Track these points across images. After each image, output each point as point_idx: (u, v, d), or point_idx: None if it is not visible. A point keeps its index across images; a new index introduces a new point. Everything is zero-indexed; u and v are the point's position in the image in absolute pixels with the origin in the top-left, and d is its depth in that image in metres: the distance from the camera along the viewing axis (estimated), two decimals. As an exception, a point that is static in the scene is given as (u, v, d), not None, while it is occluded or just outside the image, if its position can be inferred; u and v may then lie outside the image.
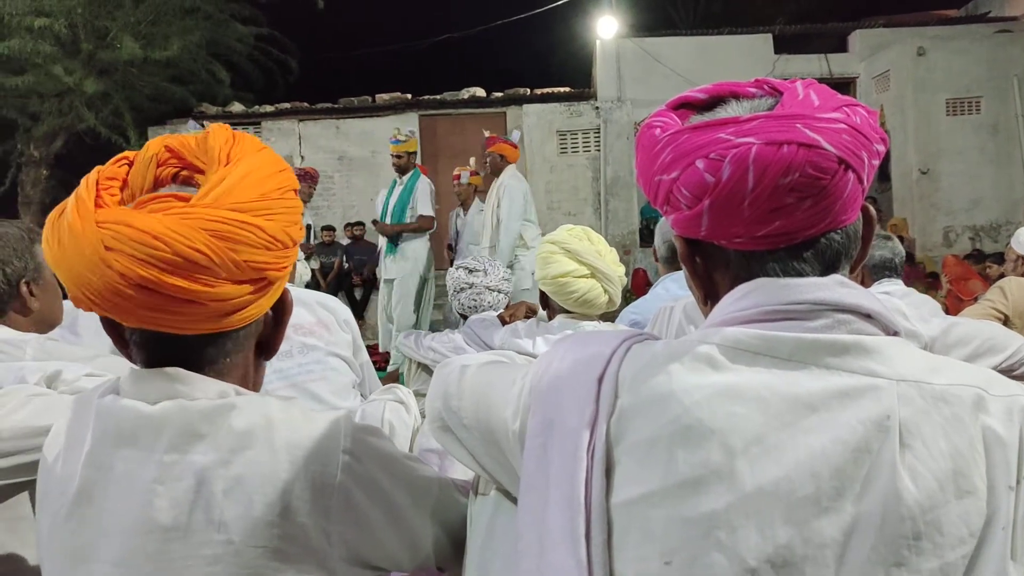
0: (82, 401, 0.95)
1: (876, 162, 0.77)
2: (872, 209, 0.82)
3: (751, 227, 0.75)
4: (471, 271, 3.06)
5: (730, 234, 0.77)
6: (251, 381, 0.98)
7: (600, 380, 0.76)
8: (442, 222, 7.99)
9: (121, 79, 9.83)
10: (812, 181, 0.72)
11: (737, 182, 0.73)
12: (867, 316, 0.74)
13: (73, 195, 0.88)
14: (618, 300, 2.43)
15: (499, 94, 11.10)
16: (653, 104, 9.10)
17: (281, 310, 1.00)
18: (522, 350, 2.38)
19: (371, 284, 9.36)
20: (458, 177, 7.36)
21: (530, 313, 2.85)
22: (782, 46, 11.33)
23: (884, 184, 10.92)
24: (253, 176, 0.88)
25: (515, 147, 6.56)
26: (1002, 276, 4.65)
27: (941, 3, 12.73)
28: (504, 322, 2.77)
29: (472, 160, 7.49)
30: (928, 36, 10.83)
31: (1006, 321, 3.00)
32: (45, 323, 1.65)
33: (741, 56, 11.12)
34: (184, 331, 0.89)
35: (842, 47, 11.53)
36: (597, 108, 10.89)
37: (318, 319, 2.24)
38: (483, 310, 3.00)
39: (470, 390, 0.93)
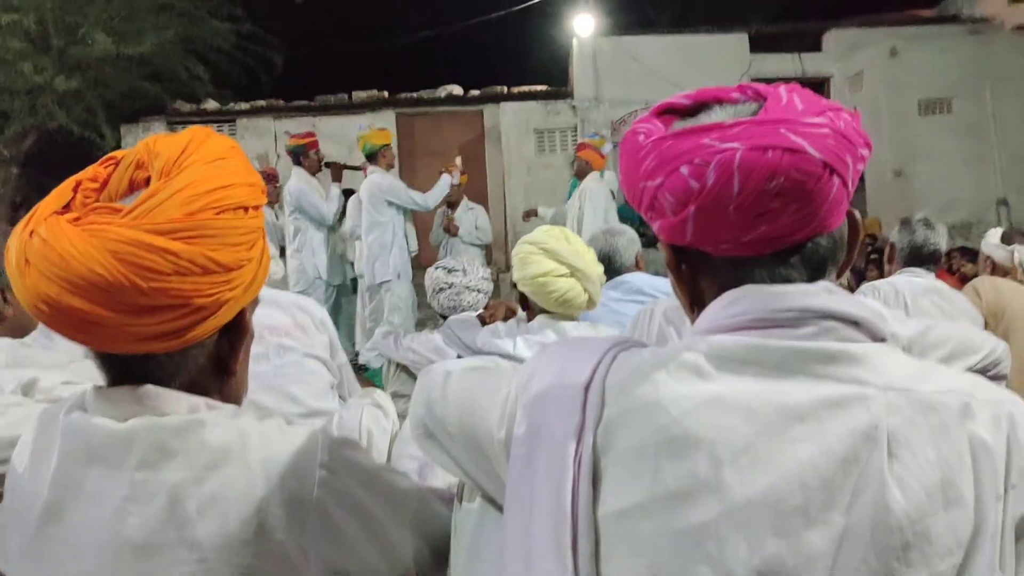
0: (47, 416, 0.93)
1: (861, 166, 0.78)
2: (857, 214, 0.82)
3: (737, 233, 0.75)
4: (450, 271, 3.05)
5: (716, 240, 0.77)
6: (219, 397, 0.94)
7: (586, 389, 0.75)
8: (426, 220, 7.97)
9: (94, 77, 9.69)
10: (797, 186, 0.72)
11: (722, 187, 0.72)
12: (854, 323, 0.74)
13: None
14: (598, 299, 2.43)
15: (476, 92, 11.05)
16: (630, 103, 9.13)
17: (236, 332, 0.94)
18: (502, 351, 2.38)
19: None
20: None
21: (510, 313, 2.85)
22: (757, 45, 11.38)
23: (857, 184, 11.01)
24: (185, 193, 0.82)
25: (603, 156, 6.97)
26: (976, 274, 4.70)
27: (914, 3, 12.84)
28: (484, 322, 2.76)
29: (458, 159, 7.47)
30: (901, 36, 10.93)
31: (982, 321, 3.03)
32: (20, 329, 1.62)
33: (717, 55, 11.14)
34: (112, 350, 0.86)
35: (816, 47, 11.59)
36: (574, 107, 10.87)
37: (294, 321, 2.21)
38: (463, 310, 3.00)
39: (454, 396, 0.91)
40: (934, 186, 10.31)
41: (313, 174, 6.38)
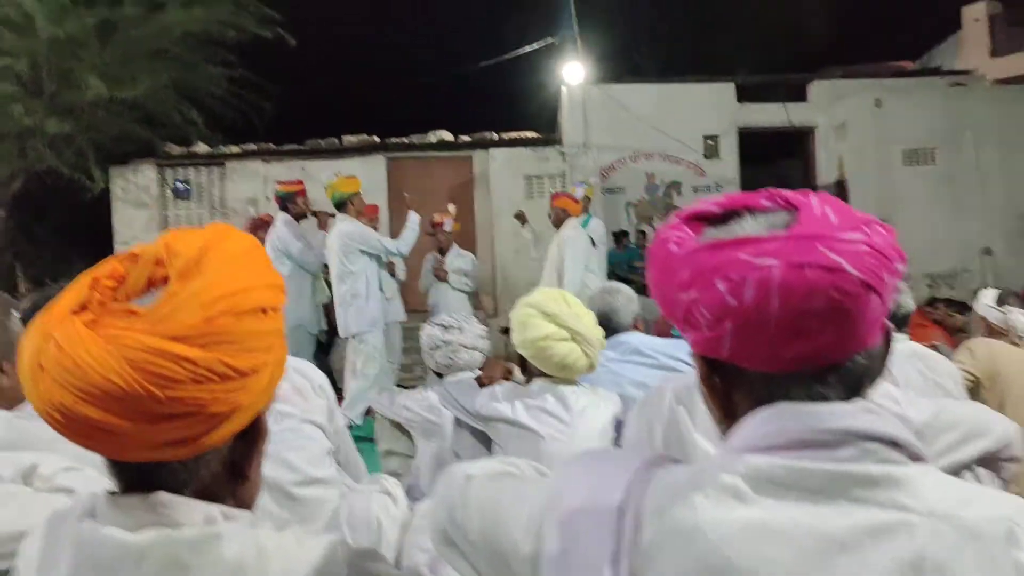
0: (56, 521, 0.89)
1: (896, 281, 0.77)
2: (890, 326, 0.80)
3: (775, 350, 0.73)
4: (446, 328, 3.03)
5: (753, 356, 0.75)
6: (233, 501, 0.91)
7: (620, 511, 0.73)
8: (415, 265, 7.96)
9: (86, 120, 9.68)
10: (836, 305, 0.71)
11: (761, 305, 0.71)
12: (894, 444, 0.72)
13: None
14: (597, 363, 2.41)
15: (466, 138, 11.14)
16: (619, 150, 9.21)
17: (251, 437, 0.90)
18: (501, 415, 2.35)
19: (335, 330, 9.22)
20: (441, 224, 7.35)
21: (507, 375, 2.82)
22: (744, 95, 11.56)
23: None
24: (204, 296, 0.80)
25: (577, 202, 6.94)
26: (964, 326, 4.73)
27: (896, 55, 13.10)
28: (482, 384, 2.74)
29: (451, 206, 7.50)
30: (885, 88, 11.15)
31: (976, 383, 3.02)
32: (18, 400, 1.56)
33: (704, 104, 11.33)
34: (124, 458, 0.83)
35: (802, 97, 11.77)
36: (563, 153, 10.97)
37: (292, 385, 2.18)
38: (458, 368, 2.97)
39: (477, 504, 0.89)
40: (919, 235, 10.42)
41: (298, 220, 6.34)
